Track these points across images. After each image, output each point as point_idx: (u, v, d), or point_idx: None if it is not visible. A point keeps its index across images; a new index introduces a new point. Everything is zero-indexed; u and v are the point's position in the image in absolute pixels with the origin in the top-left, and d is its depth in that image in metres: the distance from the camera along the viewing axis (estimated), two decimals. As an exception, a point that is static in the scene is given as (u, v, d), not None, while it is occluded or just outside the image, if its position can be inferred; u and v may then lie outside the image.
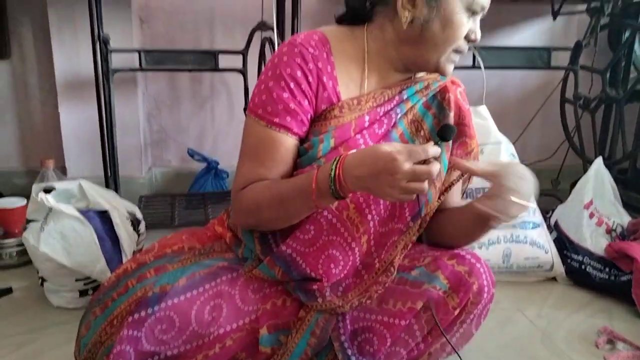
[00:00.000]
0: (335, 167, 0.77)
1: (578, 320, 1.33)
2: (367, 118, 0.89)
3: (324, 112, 0.88)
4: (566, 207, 1.62)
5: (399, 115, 0.92)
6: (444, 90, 0.95)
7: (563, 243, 1.54)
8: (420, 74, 0.95)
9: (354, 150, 0.79)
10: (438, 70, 0.89)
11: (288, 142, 0.86)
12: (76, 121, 1.94)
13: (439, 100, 0.95)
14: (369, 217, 0.90)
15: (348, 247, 0.90)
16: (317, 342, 0.90)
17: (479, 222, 0.89)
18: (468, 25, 0.85)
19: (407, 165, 0.72)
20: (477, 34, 0.87)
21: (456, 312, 0.88)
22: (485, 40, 2.21)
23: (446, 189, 0.95)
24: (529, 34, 2.29)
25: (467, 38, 0.86)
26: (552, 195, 2.05)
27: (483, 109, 1.60)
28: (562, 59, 1.89)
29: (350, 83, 0.89)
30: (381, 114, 0.90)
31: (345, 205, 0.88)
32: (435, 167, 0.74)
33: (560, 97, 2.05)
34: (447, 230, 0.95)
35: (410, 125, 0.93)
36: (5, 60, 1.98)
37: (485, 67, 1.70)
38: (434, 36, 0.85)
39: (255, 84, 0.90)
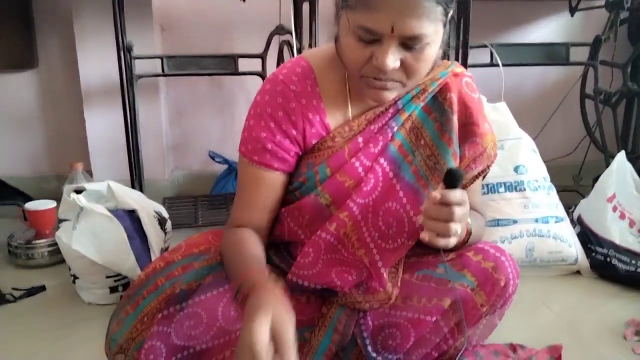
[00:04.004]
0: (248, 288, 0.71)
1: (605, 312, 1.32)
2: (360, 139, 0.87)
3: (317, 145, 0.88)
4: (589, 201, 1.60)
5: (395, 128, 0.88)
6: (445, 89, 0.88)
7: (587, 237, 1.53)
8: None
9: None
10: (367, 95, 0.82)
11: (270, 177, 0.88)
12: (101, 126, 1.99)
13: (440, 102, 0.89)
14: (366, 233, 0.89)
15: (355, 260, 0.90)
16: (340, 339, 0.91)
17: None
18: (364, 51, 0.75)
19: None
20: (381, 60, 0.73)
21: (483, 310, 0.89)
22: (503, 37, 2.25)
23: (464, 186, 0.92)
24: (546, 30, 2.27)
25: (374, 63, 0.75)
26: (574, 191, 2.03)
27: (502, 106, 1.59)
28: (581, 54, 1.86)
29: (338, 112, 0.88)
30: (375, 131, 0.87)
31: (343, 223, 0.88)
32: None
33: (580, 92, 2.03)
34: None
35: (409, 134, 0.89)
36: (33, 69, 2.04)
37: (503, 64, 1.69)
38: (341, 57, 0.81)
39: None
